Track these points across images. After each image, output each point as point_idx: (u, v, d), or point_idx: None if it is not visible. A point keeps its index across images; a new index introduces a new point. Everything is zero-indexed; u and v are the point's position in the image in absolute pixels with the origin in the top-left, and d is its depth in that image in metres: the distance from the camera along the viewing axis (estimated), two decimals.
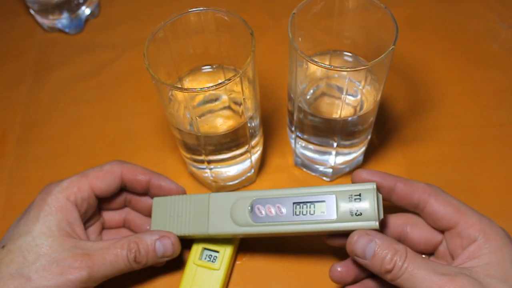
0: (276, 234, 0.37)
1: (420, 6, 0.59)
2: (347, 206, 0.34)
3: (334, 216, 0.34)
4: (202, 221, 0.38)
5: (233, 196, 0.38)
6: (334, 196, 0.35)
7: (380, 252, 0.32)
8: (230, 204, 0.37)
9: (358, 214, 0.34)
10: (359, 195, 0.34)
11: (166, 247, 0.37)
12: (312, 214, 0.35)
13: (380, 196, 0.35)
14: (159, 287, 0.41)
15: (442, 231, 0.35)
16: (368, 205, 0.34)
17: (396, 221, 0.37)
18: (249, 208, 0.37)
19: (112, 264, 0.35)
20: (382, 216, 0.34)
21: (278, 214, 0.36)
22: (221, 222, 0.37)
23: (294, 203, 0.36)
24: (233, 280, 0.41)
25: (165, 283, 0.41)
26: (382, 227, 0.35)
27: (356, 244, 0.33)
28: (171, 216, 0.39)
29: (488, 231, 0.32)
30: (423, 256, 0.37)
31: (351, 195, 0.34)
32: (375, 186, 0.34)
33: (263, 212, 0.36)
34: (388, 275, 0.32)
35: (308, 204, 0.35)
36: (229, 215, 0.37)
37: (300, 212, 0.35)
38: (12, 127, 0.52)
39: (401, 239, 0.37)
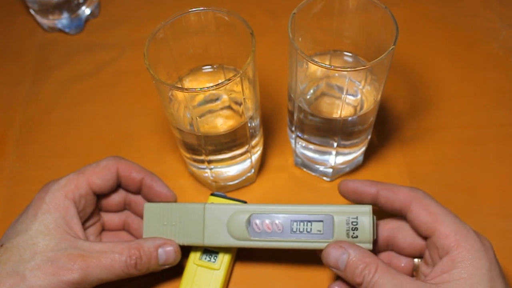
0: (272, 249, 0.37)
1: (420, 6, 0.59)
2: (343, 227, 0.35)
3: (331, 236, 0.35)
4: (197, 232, 0.37)
5: (230, 209, 0.37)
6: (331, 216, 0.36)
7: (351, 264, 0.33)
8: (227, 217, 0.37)
9: (354, 237, 0.35)
10: (356, 218, 0.35)
11: (168, 255, 0.37)
12: (309, 232, 0.36)
13: (375, 217, 0.36)
14: (159, 287, 0.41)
15: (425, 238, 0.35)
16: (364, 228, 0.35)
17: (384, 226, 0.37)
18: (247, 222, 0.37)
19: (107, 268, 0.34)
20: (375, 237, 0.35)
21: (276, 230, 0.36)
22: (217, 234, 0.37)
23: (292, 220, 0.36)
24: (233, 280, 0.41)
25: (165, 283, 0.41)
26: (374, 243, 0.36)
27: (329, 256, 0.34)
28: (165, 225, 0.38)
29: (462, 243, 0.32)
30: (416, 260, 0.37)
31: (349, 217, 0.35)
32: (371, 209, 0.35)
33: (261, 228, 0.37)
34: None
35: (306, 223, 0.36)
36: (226, 227, 0.37)
37: (297, 229, 0.36)
38: (12, 127, 0.52)
39: (389, 244, 0.37)
